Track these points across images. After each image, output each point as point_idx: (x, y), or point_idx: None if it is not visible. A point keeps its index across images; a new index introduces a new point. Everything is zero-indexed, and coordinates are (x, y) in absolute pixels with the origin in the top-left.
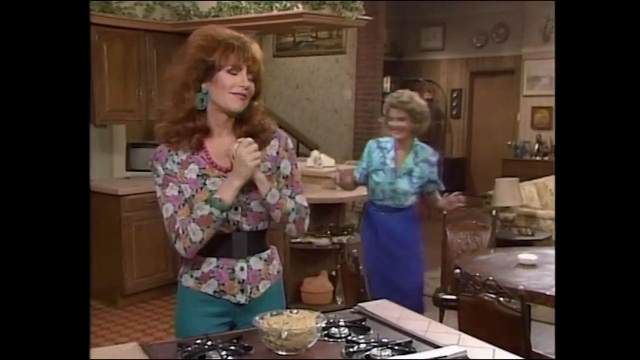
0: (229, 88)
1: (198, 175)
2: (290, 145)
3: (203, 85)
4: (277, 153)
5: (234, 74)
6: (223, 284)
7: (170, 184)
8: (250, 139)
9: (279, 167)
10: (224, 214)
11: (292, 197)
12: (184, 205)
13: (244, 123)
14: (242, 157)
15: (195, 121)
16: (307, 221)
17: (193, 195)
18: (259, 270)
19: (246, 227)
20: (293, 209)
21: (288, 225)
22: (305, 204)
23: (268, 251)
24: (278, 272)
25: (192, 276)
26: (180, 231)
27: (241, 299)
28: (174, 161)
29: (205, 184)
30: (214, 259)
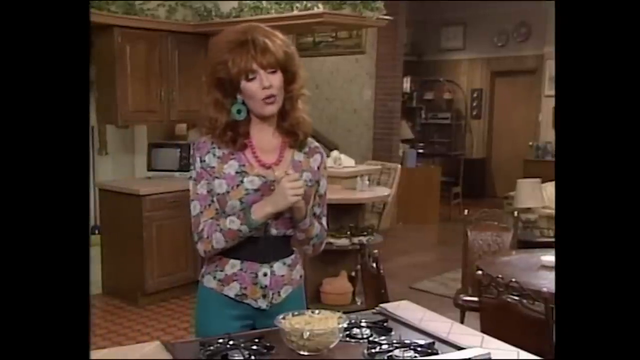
0: (255, 95)
1: (237, 172)
2: (326, 165)
3: (238, 96)
4: (318, 168)
5: (252, 79)
6: (245, 288)
7: (203, 180)
8: (296, 175)
9: (317, 183)
10: (252, 232)
11: (320, 217)
12: (209, 206)
13: (287, 114)
14: (284, 189)
15: (237, 130)
16: (324, 243)
17: (228, 192)
18: (282, 276)
19: (274, 231)
20: (317, 235)
21: (306, 247)
22: (326, 226)
23: (292, 256)
24: (300, 276)
25: (215, 278)
26: (205, 235)
27: (262, 304)
28: (214, 154)
29: (242, 181)
30: (237, 262)
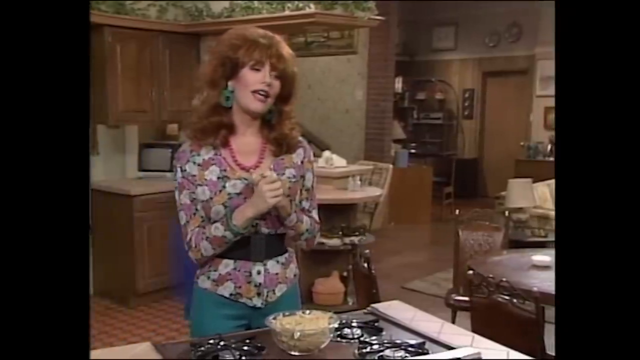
0: (251, 85)
1: (218, 178)
2: (313, 157)
3: (229, 83)
4: (302, 162)
5: (257, 70)
6: (239, 287)
7: (185, 190)
8: (274, 176)
9: (303, 177)
10: (237, 237)
11: (309, 211)
12: (194, 214)
13: (273, 128)
14: (263, 192)
15: (221, 117)
16: (318, 236)
17: (211, 198)
18: (276, 274)
19: (265, 230)
20: (307, 230)
21: (299, 242)
22: (318, 219)
23: (286, 254)
24: (295, 275)
25: (209, 278)
26: (193, 244)
27: (257, 302)
28: (194, 162)
29: (224, 186)
30: (231, 261)
